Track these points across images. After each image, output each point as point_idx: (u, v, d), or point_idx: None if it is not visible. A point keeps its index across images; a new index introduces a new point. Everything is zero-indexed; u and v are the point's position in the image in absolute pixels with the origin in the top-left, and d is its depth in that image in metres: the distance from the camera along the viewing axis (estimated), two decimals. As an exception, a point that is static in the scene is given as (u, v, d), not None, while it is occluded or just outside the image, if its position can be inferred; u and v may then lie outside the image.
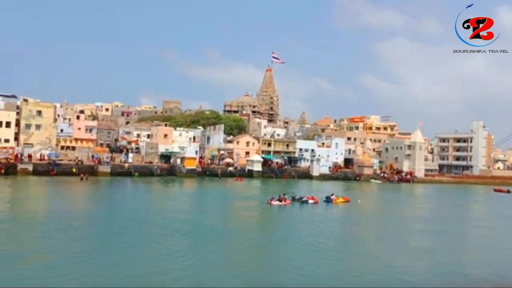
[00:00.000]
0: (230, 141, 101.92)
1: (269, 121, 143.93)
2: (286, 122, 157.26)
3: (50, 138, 79.30)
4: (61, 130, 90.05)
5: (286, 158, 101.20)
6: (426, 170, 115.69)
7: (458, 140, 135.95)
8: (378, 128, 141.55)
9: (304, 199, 50.29)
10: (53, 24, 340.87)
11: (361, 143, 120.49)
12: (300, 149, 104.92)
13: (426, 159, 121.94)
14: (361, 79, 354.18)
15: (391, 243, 32.24)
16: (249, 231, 34.27)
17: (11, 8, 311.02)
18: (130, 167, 78.13)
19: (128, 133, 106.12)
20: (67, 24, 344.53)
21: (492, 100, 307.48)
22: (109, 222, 34.17)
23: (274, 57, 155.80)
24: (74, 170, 70.50)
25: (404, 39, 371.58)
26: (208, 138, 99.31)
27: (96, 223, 33.84)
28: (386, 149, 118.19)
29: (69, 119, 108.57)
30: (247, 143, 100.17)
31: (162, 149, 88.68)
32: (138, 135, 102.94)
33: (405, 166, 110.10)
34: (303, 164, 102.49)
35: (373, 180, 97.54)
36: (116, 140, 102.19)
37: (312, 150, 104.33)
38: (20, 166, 68.78)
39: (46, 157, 74.54)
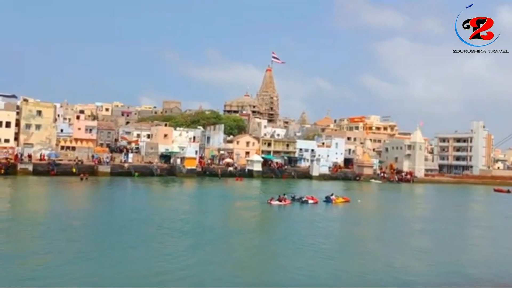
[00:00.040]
0: (230, 141, 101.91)
1: (269, 121, 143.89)
2: (286, 122, 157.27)
3: (50, 138, 79.30)
4: (61, 130, 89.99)
5: (286, 158, 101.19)
6: (426, 170, 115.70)
7: (458, 140, 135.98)
8: (378, 128, 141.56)
9: (304, 199, 50.30)
10: (53, 24, 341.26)
11: (361, 143, 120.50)
12: (300, 149, 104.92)
13: (426, 159, 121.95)
14: (361, 79, 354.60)
15: (391, 243, 32.25)
16: (249, 231, 34.27)
17: (11, 8, 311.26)
18: (130, 167, 78.12)
19: (128, 133, 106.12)
20: (67, 24, 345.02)
21: (492, 100, 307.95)
22: (109, 222, 34.17)
23: (274, 57, 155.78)
24: (74, 170, 70.48)
25: (404, 39, 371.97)
26: (208, 138, 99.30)
27: (96, 223, 33.82)
28: (386, 149, 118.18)
29: (69, 119, 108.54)
30: (247, 143, 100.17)
31: (162, 149, 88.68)
32: (138, 135, 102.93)
33: (405, 166, 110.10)
34: (303, 164, 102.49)
35: (373, 180, 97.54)
36: (116, 140, 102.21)
37: (312, 150, 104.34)
38: (20, 166, 68.76)
39: (46, 157, 74.54)
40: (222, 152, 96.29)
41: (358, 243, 32.27)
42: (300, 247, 28.31)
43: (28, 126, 77.90)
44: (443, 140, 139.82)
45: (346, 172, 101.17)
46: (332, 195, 53.17)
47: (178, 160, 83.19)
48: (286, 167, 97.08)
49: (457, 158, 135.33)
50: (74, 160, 75.49)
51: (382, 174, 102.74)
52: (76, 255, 23.37)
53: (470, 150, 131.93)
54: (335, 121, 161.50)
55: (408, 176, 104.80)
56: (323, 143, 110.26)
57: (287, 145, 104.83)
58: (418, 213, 52.83)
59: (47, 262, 21.90)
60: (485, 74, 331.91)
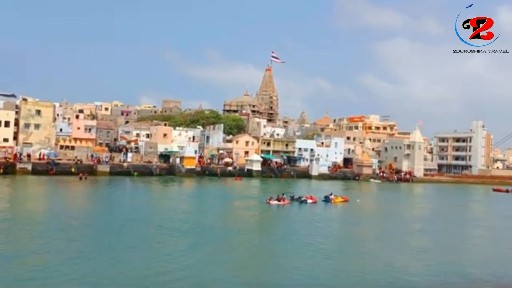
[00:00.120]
0: (230, 141, 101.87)
1: (269, 120, 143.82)
2: (286, 122, 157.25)
3: (49, 138, 79.24)
4: (60, 130, 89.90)
5: (285, 157, 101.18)
6: (425, 169, 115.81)
7: (458, 139, 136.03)
8: (377, 128, 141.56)
9: (303, 199, 50.30)
10: (53, 24, 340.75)
11: (361, 142, 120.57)
12: (300, 149, 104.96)
13: (425, 159, 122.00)
14: (361, 79, 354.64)
15: (390, 243, 32.25)
16: (248, 231, 34.24)
17: (11, 8, 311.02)
18: (129, 167, 78.10)
19: (127, 132, 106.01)
20: (67, 24, 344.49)
21: (491, 100, 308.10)
22: (108, 222, 34.14)
23: (273, 57, 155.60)
24: (73, 169, 70.43)
25: (404, 39, 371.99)
26: (208, 137, 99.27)
27: (95, 222, 33.78)
28: (386, 149, 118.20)
29: (69, 119, 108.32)
30: (247, 142, 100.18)
31: (161, 148, 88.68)
32: (138, 135, 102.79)
33: (404, 166, 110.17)
34: (302, 164, 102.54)
35: (372, 180, 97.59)
36: (116, 139, 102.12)
37: (312, 150, 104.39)
38: (19, 166, 68.70)
39: (45, 157, 74.51)
40: (221, 151, 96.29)
41: (357, 243, 32.26)
42: (299, 247, 28.32)
43: (27, 125, 77.86)
44: (443, 139, 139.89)
45: (346, 171, 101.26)
46: (331, 194, 53.18)
47: (178, 160, 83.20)
48: (285, 166, 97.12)
49: (456, 158, 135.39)
50: (73, 160, 75.47)
51: (381, 174, 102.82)
52: (75, 255, 23.34)
53: (469, 150, 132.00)
54: (334, 120, 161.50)
55: (407, 176, 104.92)
56: (322, 143, 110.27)
57: (287, 145, 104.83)
58: (417, 212, 52.83)
59: (46, 262, 21.88)
60: (484, 74, 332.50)
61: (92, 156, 78.92)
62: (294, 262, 24.70)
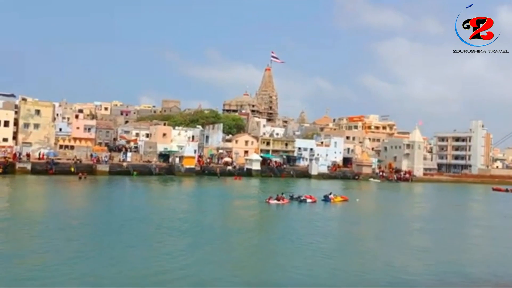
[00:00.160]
0: (229, 140, 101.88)
1: (268, 120, 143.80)
2: (285, 121, 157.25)
3: (48, 137, 79.25)
4: (60, 129, 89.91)
5: (285, 157, 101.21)
6: (425, 169, 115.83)
7: (457, 139, 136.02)
8: (377, 127, 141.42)
9: (302, 198, 50.28)
10: (53, 24, 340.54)
11: (360, 142, 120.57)
12: (299, 148, 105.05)
13: (425, 158, 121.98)
14: (361, 79, 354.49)
15: (390, 242, 32.22)
16: (247, 230, 34.22)
17: (11, 8, 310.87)
18: (129, 166, 78.10)
19: (127, 132, 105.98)
20: (67, 24, 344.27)
21: (491, 100, 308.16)
22: (107, 221, 34.11)
23: (273, 57, 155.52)
24: (72, 169, 70.45)
25: (404, 39, 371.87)
26: (207, 137, 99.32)
27: (94, 222, 33.75)
28: (385, 148, 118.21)
29: (68, 118, 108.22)
30: (246, 142, 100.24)
31: (161, 148, 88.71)
32: (137, 134, 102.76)
33: (404, 165, 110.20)
34: (302, 163, 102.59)
35: (372, 179, 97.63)
36: (115, 139, 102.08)
37: (311, 149, 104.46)
38: (18, 165, 68.66)
39: (44, 156, 74.50)
40: (221, 151, 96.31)
41: (356, 242, 32.25)
42: (298, 246, 28.29)
43: (26, 125, 77.88)
44: (442, 139, 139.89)
45: (345, 171, 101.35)
46: (330, 194, 53.19)
47: (177, 159, 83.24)
48: (285, 166, 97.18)
49: (456, 157, 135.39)
50: (73, 159, 75.49)
51: (381, 173, 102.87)
52: (74, 255, 23.32)
53: (469, 149, 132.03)
54: (334, 120, 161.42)
55: (407, 175, 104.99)
56: (322, 142, 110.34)
57: (286, 144, 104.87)
58: (416, 212, 52.83)
59: (46, 262, 21.84)
60: (484, 74, 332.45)
61: (91, 155, 78.95)
62: (293, 261, 24.67)
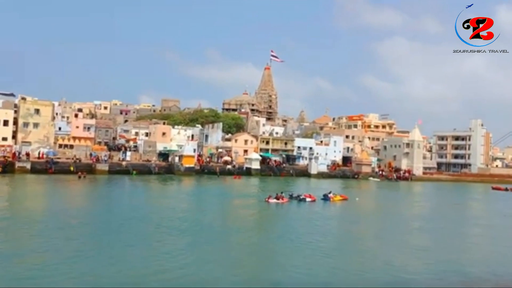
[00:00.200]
0: (229, 139, 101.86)
1: (268, 119, 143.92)
2: (285, 120, 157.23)
3: (48, 137, 79.22)
4: (59, 129, 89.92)
5: (284, 156, 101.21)
6: (425, 168, 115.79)
7: (457, 138, 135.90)
8: (376, 126, 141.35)
9: (301, 197, 50.28)
10: (53, 24, 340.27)
11: (360, 141, 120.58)
12: (299, 147, 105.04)
13: (424, 157, 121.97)
14: (361, 79, 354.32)
15: (389, 242, 32.22)
16: (246, 229, 34.22)
17: (11, 8, 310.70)
18: (128, 165, 78.09)
19: (126, 131, 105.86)
20: (67, 24, 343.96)
21: (490, 99, 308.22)
22: (107, 221, 34.10)
23: (273, 56, 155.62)
24: (72, 168, 70.46)
25: (403, 38, 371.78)
26: (207, 136, 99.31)
27: (94, 221, 33.75)
28: (385, 147, 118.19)
29: (68, 118, 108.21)
30: (246, 141, 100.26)
31: (160, 147, 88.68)
32: (137, 133, 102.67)
33: (404, 164, 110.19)
34: (302, 162, 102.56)
35: (371, 178, 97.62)
36: (114, 138, 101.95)
37: (311, 148, 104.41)
38: (18, 164, 68.62)
39: (44, 156, 74.48)
40: (220, 150, 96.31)
41: (356, 241, 32.27)
42: (297, 245, 28.30)
43: (26, 124, 77.84)
44: (442, 138, 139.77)
45: (345, 170, 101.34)
46: (330, 193, 53.21)
47: (177, 158, 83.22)
48: (284, 165, 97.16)
49: (456, 156, 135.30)
50: (72, 159, 75.48)
51: (380, 172, 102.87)
52: (74, 254, 23.31)
53: (469, 148, 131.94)
54: (333, 119, 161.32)
55: (407, 174, 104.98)
56: (321, 141, 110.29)
57: (286, 143, 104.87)
58: (416, 211, 52.82)
59: (45, 261, 21.83)
60: (484, 73, 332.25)
61: (91, 155, 78.94)
62: (293, 260, 24.67)
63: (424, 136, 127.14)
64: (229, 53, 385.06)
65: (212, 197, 54.22)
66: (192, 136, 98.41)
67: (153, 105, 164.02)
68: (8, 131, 76.22)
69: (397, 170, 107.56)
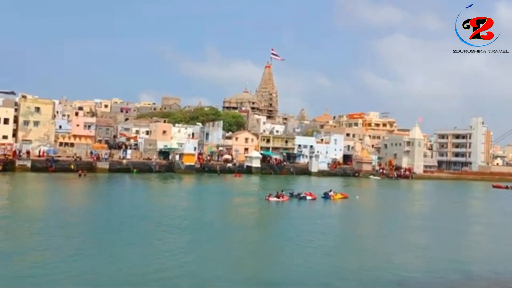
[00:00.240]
0: (229, 138, 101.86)
1: (268, 117, 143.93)
2: (285, 119, 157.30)
3: (48, 135, 79.24)
4: (60, 127, 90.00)
5: (285, 154, 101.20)
6: (425, 166, 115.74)
7: (457, 136, 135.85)
8: (377, 125, 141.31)
9: (302, 195, 50.23)
10: (53, 23, 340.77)
11: (360, 139, 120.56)
12: (299, 146, 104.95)
13: (425, 156, 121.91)
14: (361, 76, 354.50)
15: (389, 240, 32.16)
16: (247, 227, 34.19)
17: (11, 8, 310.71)
18: (129, 164, 78.09)
19: (127, 129, 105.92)
20: (67, 22, 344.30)
21: (491, 96, 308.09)
22: (107, 219, 34.07)
23: (273, 54, 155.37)
24: (72, 166, 70.49)
25: (403, 35, 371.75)
26: (207, 134, 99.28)
27: (94, 220, 33.73)
28: (385, 146, 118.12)
29: (68, 116, 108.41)
30: (246, 139, 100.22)
31: (160, 145, 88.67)
32: (137, 132, 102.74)
33: (404, 163, 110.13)
34: (302, 161, 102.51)
35: (372, 177, 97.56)
36: (115, 136, 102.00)
37: (311, 147, 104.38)
38: (18, 163, 68.65)
39: (44, 154, 74.49)
40: (221, 148, 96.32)
41: (356, 239, 32.24)
42: (298, 243, 28.25)
43: (26, 122, 77.87)
44: (442, 136, 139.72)
45: (345, 168, 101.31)
46: (330, 191, 53.13)
47: (177, 157, 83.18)
48: (285, 163, 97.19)
49: (456, 155, 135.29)
50: (73, 157, 75.48)
51: (381, 171, 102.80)
52: (74, 252, 23.26)
53: (469, 147, 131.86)
54: (334, 117, 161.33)
55: (407, 173, 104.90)
56: (322, 140, 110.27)
57: (286, 142, 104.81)
58: (417, 209, 52.79)
59: (45, 259, 21.78)
60: (484, 70, 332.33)
61: (91, 153, 78.94)
62: (293, 259, 24.62)
63: (424, 134, 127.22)
64: (229, 51, 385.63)
65: (213, 195, 54.23)
66: (193, 134, 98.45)
67: (154, 103, 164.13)
68: (8, 129, 76.24)
69: (398, 168, 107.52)
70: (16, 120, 77.72)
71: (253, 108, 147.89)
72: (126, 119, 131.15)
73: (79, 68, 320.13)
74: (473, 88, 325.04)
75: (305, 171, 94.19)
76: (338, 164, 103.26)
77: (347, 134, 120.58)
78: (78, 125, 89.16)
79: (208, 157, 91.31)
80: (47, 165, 69.68)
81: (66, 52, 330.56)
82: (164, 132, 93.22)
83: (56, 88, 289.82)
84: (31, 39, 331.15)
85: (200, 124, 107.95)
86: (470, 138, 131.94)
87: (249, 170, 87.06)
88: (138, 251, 24.41)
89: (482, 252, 29.58)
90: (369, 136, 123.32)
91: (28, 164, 68.89)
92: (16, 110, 78.30)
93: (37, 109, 78.80)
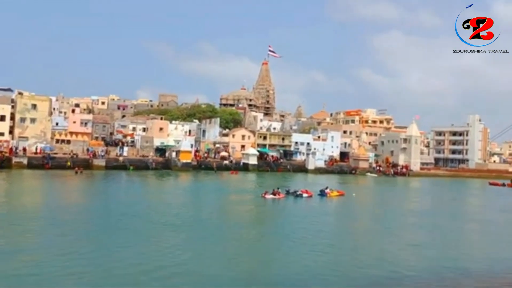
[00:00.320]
0: (226, 135, 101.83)
1: (265, 114, 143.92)
2: (282, 116, 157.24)
3: (45, 132, 79.08)
4: (56, 124, 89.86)
5: (281, 151, 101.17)
6: (422, 163, 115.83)
7: (454, 133, 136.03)
8: (374, 122, 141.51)
9: (298, 193, 50.22)
10: (51, 20, 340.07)
11: (357, 136, 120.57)
12: (296, 143, 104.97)
13: (422, 153, 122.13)
14: (358, 73, 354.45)
15: (386, 237, 32.20)
16: (243, 225, 34.22)
17: (10, 7, 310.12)
18: (125, 161, 78.01)
19: (123, 126, 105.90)
20: (64, 20, 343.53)
21: (488, 93, 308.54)
22: (103, 216, 34.01)
23: (270, 51, 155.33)
24: (68, 163, 70.38)
25: (399, 31, 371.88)
26: (204, 131, 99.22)
27: (90, 217, 33.66)
28: (382, 143, 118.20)
29: (65, 113, 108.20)
30: (243, 136, 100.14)
31: (157, 142, 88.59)
32: (134, 129, 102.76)
33: (401, 160, 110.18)
34: (299, 158, 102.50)
35: (368, 174, 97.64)
36: (112, 133, 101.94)
37: (308, 144, 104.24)
38: (14, 160, 68.57)
39: (41, 151, 74.38)
40: (217, 145, 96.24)
41: (352, 237, 32.29)
42: (294, 240, 28.25)
43: (23, 119, 77.68)
44: (439, 133, 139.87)
45: (342, 165, 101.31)
46: (326, 188, 53.14)
47: (174, 154, 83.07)
48: (281, 160, 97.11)
49: (453, 152, 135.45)
50: (69, 154, 75.36)
51: (377, 168, 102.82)
52: (70, 250, 23.21)
53: (466, 144, 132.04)
54: (331, 114, 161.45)
55: (404, 170, 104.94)
56: (319, 137, 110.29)
57: (283, 139, 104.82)
58: (413, 206, 52.80)
59: (41, 258, 21.70)
60: (481, 67, 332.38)
61: (88, 150, 78.81)
62: (289, 256, 24.65)
63: (421, 131, 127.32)
64: (225, 47, 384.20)
65: (209, 193, 54.23)
66: (190, 131, 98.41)
67: (151, 100, 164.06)
68: (5, 126, 76.04)
69: (395, 165, 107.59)
70: (12, 117, 77.47)
71: (250, 105, 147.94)
72: (123, 116, 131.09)
73: (76, 64, 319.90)
74: (470, 85, 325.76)
75: (302, 169, 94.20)
76: (335, 161, 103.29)
77: (344, 131, 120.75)
78: (74, 122, 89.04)
79: (205, 154, 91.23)
80: (43, 162, 69.57)
81: (63, 48, 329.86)
82: (161, 129, 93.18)
83: (53, 84, 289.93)
84: (29, 37, 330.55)
85: (197, 121, 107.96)
86: (467, 135, 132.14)
87: (245, 167, 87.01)
88: (134, 249, 24.37)
89: (478, 250, 29.68)
90: (366, 133, 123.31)
91: (25, 161, 68.81)
92: (12, 107, 78.10)
93: (34, 106, 78.57)
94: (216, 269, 21.76)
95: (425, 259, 25.74)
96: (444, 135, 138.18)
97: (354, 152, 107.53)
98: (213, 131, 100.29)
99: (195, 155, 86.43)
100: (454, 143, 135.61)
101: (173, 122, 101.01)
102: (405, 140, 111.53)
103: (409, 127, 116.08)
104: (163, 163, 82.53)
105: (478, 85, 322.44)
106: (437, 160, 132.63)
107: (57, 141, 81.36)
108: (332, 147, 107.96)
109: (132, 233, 28.46)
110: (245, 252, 26.05)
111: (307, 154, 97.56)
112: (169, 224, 32.03)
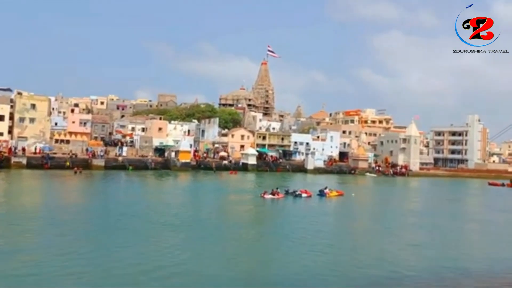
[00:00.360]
0: (225, 135, 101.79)
1: (265, 114, 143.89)
2: (282, 116, 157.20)
3: (44, 132, 78.99)
4: (56, 124, 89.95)
5: (281, 151, 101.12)
6: (421, 163, 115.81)
7: (454, 133, 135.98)
8: (373, 122, 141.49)
9: (297, 193, 50.15)
10: (50, 19, 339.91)
11: (356, 136, 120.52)
12: (295, 143, 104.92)
13: (421, 153, 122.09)
14: (358, 73, 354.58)
15: (385, 237, 32.15)
16: (241, 225, 34.16)
17: (10, 7, 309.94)
18: (124, 161, 77.94)
19: (122, 126, 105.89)
20: (63, 19, 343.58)
21: (487, 92, 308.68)
22: (102, 217, 33.95)
23: (269, 51, 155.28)
24: (68, 163, 70.31)
25: (399, 32, 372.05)
26: (203, 131, 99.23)
27: (89, 217, 33.60)
28: (381, 143, 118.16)
29: (64, 113, 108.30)
30: (242, 136, 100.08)
31: (156, 142, 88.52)
32: (133, 129, 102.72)
33: (400, 160, 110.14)
34: (298, 158, 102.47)
35: (368, 174, 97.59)
36: (111, 133, 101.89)
37: (307, 144, 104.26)
38: (13, 160, 68.52)
39: (40, 151, 74.31)
40: (216, 145, 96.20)
41: (351, 237, 32.21)
42: (293, 241, 28.20)
43: (22, 119, 77.60)
44: (439, 133, 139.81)
45: (341, 165, 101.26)
46: (326, 188, 53.07)
47: (173, 154, 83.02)
48: (281, 160, 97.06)
49: (452, 152, 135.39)
50: (68, 154, 75.28)
51: (377, 168, 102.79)
52: (68, 250, 23.15)
53: (466, 144, 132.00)
54: (330, 114, 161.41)
55: (403, 170, 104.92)
56: (318, 137, 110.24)
57: (282, 139, 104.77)
58: (412, 206, 52.74)
59: (40, 258, 21.65)
60: (481, 67, 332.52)
61: (87, 150, 78.76)
62: (288, 256, 24.61)
63: (421, 131, 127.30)
64: (225, 47, 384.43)
65: (208, 193, 54.18)
66: (189, 131, 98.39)
67: (150, 100, 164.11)
68: (4, 126, 75.97)
69: (394, 165, 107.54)
70: (11, 117, 77.41)
71: (249, 105, 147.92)
72: (122, 116, 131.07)
73: (75, 64, 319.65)
74: (470, 85, 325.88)
75: (301, 169, 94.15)
76: (334, 161, 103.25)
77: (343, 131, 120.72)
78: (73, 122, 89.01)
79: (204, 154, 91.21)
80: (42, 162, 69.51)
81: (62, 47, 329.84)
82: (160, 129, 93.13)
83: (52, 84, 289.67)
84: (29, 37, 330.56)
85: (196, 121, 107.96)
86: (466, 135, 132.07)
87: (245, 167, 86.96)
88: (134, 249, 24.31)
89: (478, 250, 29.64)
90: (366, 133, 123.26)
91: (24, 161, 68.76)
92: (11, 107, 78.02)
93: (33, 106, 78.51)
94: (215, 269, 21.72)
95: (425, 259, 25.70)
96: (443, 135, 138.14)
97: (354, 152, 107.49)
98: (212, 131, 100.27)
99: (194, 155, 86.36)
100: (453, 143, 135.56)
101: (172, 122, 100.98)
102: (404, 140, 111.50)
103: (409, 127, 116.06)
104: (162, 163, 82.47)
105: (478, 85, 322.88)
106: (436, 160, 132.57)
107: (56, 141, 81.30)
108: (331, 147, 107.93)
109: (131, 233, 28.41)
110: (244, 252, 26.00)
111: (306, 154, 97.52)
112: (168, 224, 31.98)
